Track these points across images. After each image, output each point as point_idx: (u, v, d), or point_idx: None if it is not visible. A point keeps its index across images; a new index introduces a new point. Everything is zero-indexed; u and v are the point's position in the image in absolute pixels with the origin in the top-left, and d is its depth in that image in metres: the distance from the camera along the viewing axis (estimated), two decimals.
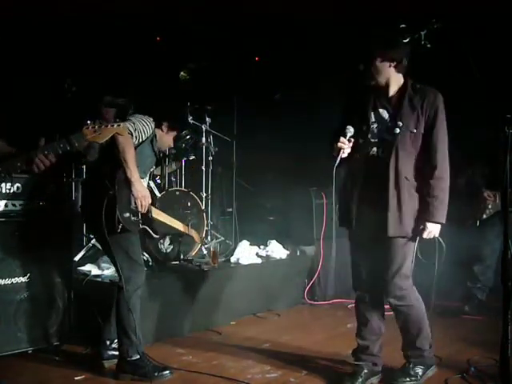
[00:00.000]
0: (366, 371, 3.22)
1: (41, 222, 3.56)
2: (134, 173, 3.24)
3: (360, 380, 3.18)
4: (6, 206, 3.42)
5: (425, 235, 3.03)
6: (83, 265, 4.21)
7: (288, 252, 5.24)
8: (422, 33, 2.45)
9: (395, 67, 2.94)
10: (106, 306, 3.77)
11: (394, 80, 2.98)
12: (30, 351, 3.50)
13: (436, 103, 2.97)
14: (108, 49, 6.02)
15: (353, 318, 4.10)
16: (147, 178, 3.64)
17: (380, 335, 3.28)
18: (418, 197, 3.01)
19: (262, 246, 5.26)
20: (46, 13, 5.38)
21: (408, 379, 3.21)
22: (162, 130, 3.64)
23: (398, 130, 2.94)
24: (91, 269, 4.11)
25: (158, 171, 5.49)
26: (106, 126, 2.65)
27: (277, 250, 5.18)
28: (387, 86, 2.99)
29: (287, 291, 5.03)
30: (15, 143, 2.78)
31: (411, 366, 3.25)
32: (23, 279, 3.45)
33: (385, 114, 3.02)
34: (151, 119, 3.49)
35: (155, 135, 3.54)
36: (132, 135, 3.29)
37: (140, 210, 3.31)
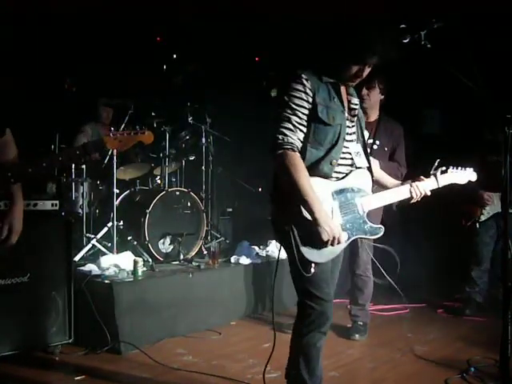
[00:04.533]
0: None
1: (41, 222, 3.56)
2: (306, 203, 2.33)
3: None
4: (5, 205, 3.41)
5: None
6: (83, 265, 4.21)
7: None
8: (422, 33, 2.44)
9: None
10: (106, 306, 3.79)
11: None
12: (29, 351, 3.50)
13: None
14: (108, 49, 6.02)
15: None
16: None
17: None
18: None
19: (261, 246, 5.25)
20: (46, 13, 5.38)
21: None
22: None
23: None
24: (91, 269, 4.11)
25: (158, 171, 5.50)
26: (129, 134, 2.46)
27: (277, 250, 5.17)
28: None
29: (287, 291, 5.01)
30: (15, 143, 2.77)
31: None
32: (23, 279, 3.45)
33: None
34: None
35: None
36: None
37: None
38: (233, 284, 4.66)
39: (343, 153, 2.50)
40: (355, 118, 2.59)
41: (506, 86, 4.62)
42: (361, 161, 2.59)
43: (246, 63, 6.79)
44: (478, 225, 4.84)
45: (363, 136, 2.66)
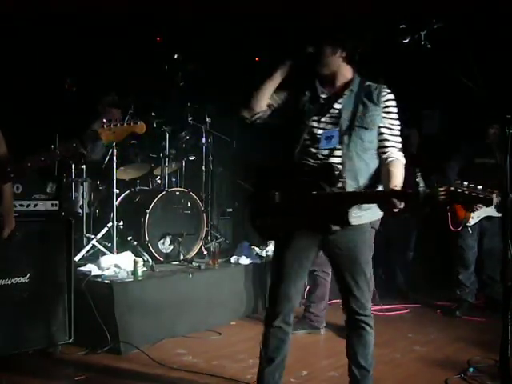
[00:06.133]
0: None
1: (41, 222, 3.56)
2: None
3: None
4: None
5: None
6: (83, 265, 4.21)
7: None
8: (422, 33, 2.44)
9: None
10: (106, 306, 3.79)
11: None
12: (30, 351, 3.50)
13: None
14: (108, 48, 6.02)
15: None
16: None
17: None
18: None
19: (261, 246, 5.25)
20: (46, 12, 5.38)
21: None
22: None
23: None
24: (91, 269, 4.11)
25: (158, 171, 5.50)
26: (122, 125, 2.51)
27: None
28: None
29: None
30: (15, 143, 2.77)
31: None
32: (23, 279, 3.45)
33: None
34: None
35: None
36: None
37: None
38: (233, 284, 4.66)
39: (308, 145, 2.61)
40: (336, 111, 2.62)
41: (506, 86, 4.62)
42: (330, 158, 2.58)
43: (245, 63, 6.79)
44: (470, 230, 4.86)
45: (349, 129, 2.58)
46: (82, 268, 4.14)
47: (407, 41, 2.47)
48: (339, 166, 2.52)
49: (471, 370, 3.45)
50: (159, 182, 5.47)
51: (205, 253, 5.07)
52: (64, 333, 3.61)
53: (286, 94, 2.72)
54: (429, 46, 2.45)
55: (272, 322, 2.78)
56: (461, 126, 5.71)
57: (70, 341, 3.63)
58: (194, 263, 4.69)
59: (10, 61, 5.37)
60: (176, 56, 6.11)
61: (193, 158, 5.63)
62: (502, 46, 5.21)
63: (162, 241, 4.80)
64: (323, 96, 2.67)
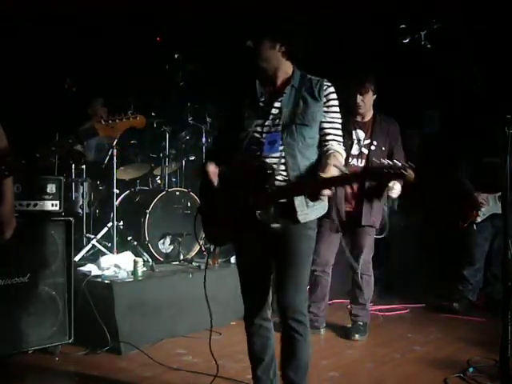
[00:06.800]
0: None
1: (41, 222, 3.57)
2: None
3: None
4: None
5: None
6: (83, 265, 4.21)
7: None
8: (422, 33, 2.44)
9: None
10: (106, 306, 3.79)
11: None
12: (30, 351, 3.50)
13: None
14: (108, 48, 6.02)
15: None
16: None
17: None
18: None
19: None
20: (46, 12, 5.38)
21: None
22: None
23: None
24: (91, 269, 4.11)
25: (158, 171, 5.50)
26: (121, 119, 2.44)
27: None
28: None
29: None
30: (14, 143, 2.77)
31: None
32: (23, 279, 3.45)
33: None
34: None
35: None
36: None
37: None
38: (233, 284, 4.63)
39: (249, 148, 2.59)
40: (276, 111, 2.59)
41: (506, 86, 4.62)
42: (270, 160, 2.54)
43: (245, 63, 6.78)
44: (475, 226, 4.86)
45: (290, 127, 2.55)
46: (81, 268, 4.14)
47: (407, 41, 2.47)
48: (282, 166, 2.51)
49: (471, 369, 3.44)
50: (159, 182, 5.48)
51: (205, 253, 5.07)
52: (64, 333, 3.61)
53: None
54: (429, 46, 2.45)
55: (250, 321, 2.78)
56: (461, 126, 5.70)
57: (70, 341, 3.63)
58: (193, 263, 4.69)
59: (10, 61, 5.37)
60: (176, 56, 6.11)
61: (193, 158, 5.63)
62: (502, 46, 5.21)
63: (162, 241, 4.80)
64: (263, 99, 2.64)
